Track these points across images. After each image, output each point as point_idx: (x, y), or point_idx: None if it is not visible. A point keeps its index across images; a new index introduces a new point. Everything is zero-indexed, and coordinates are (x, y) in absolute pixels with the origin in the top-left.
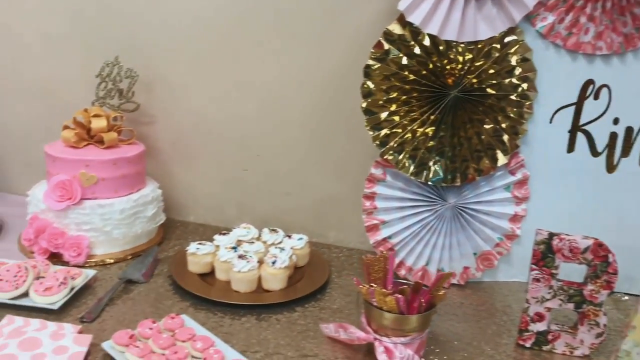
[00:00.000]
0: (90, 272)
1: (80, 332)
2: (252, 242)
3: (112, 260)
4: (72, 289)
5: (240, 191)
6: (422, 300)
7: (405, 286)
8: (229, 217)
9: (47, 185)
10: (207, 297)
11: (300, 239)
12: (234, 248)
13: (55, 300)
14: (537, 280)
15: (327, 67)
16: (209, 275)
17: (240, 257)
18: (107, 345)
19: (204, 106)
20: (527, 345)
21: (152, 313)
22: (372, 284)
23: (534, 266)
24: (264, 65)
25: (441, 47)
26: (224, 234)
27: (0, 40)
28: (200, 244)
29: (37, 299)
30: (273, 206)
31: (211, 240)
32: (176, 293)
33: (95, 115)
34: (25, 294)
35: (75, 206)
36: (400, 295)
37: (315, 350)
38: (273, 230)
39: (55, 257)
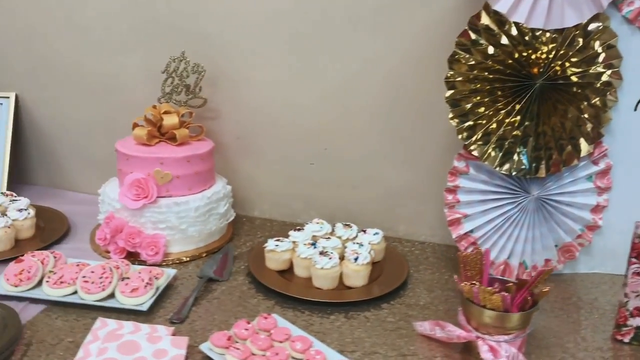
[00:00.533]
0: (171, 272)
1: (173, 334)
2: (328, 238)
3: (187, 258)
4: (156, 289)
5: (307, 185)
6: (529, 297)
7: (510, 284)
8: (295, 212)
9: (122, 184)
10: (295, 296)
11: (376, 233)
12: (313, 244)
13: (142, 301)
14: (638, 274)
15: (400, 56)
16: (286, 272)
17: (322, 253)
18: (206, 347)
19: (269, 100)
20: (626, 340)
21: (240, 312)
22: (473, 282)
23: (634, 259)
24: (333, 54)
25: (527, 37)
26: (299, 229)
27: (63, 36)
28: (277, 240)
29: (125, 300)
30: (341, 200)
31: (282, 235)
32: (258, 291)
33: (166, 112)
34: (111, 295)
35: (151, 205)
36: (506, 294)
37: (411, 348)
38: (347, 225)
39: (131, 257)
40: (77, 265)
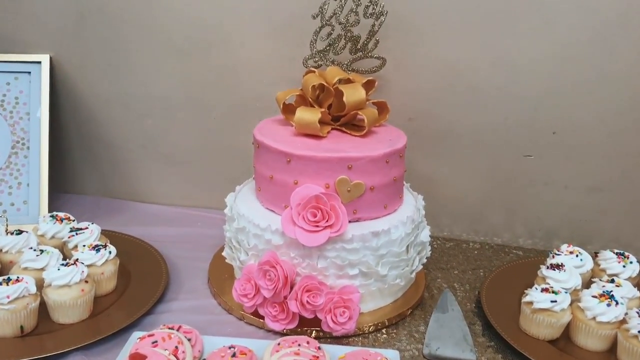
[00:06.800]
0: (392, 355)
1: None
2: (611, 280)
3: (388, 322)
4: None
5: (514, 188)
6: None
7: None
8: (492, 228)
9: (274, 201)
10: None
11: None
12: (611, 296)
13: None
14: None
15: None
16: (557, 342)
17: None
18: None
19: (464, 57)
20: None
21: None
22: None
23: None
24: None
25: None
26: (557, 267)
27: None
28: (546, 291)
29: None
30: (566, 208)
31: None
32: None
33: (341, 81)
34: None
35: (338, 237)
36: None
37: None
38: (620, 254)
39: (302, 325)
40: (233, 354)
